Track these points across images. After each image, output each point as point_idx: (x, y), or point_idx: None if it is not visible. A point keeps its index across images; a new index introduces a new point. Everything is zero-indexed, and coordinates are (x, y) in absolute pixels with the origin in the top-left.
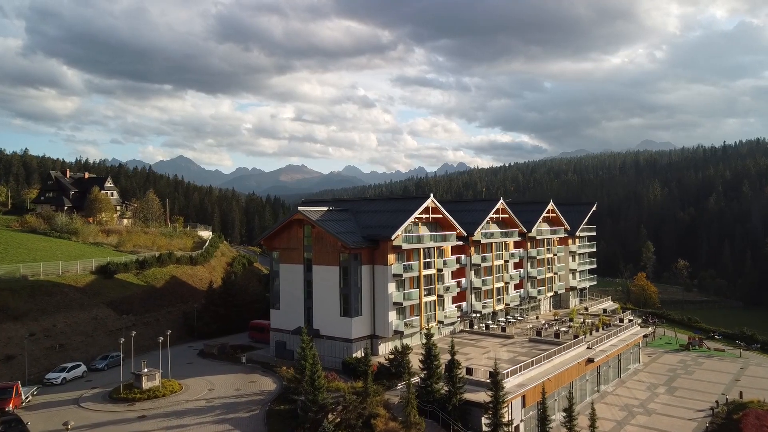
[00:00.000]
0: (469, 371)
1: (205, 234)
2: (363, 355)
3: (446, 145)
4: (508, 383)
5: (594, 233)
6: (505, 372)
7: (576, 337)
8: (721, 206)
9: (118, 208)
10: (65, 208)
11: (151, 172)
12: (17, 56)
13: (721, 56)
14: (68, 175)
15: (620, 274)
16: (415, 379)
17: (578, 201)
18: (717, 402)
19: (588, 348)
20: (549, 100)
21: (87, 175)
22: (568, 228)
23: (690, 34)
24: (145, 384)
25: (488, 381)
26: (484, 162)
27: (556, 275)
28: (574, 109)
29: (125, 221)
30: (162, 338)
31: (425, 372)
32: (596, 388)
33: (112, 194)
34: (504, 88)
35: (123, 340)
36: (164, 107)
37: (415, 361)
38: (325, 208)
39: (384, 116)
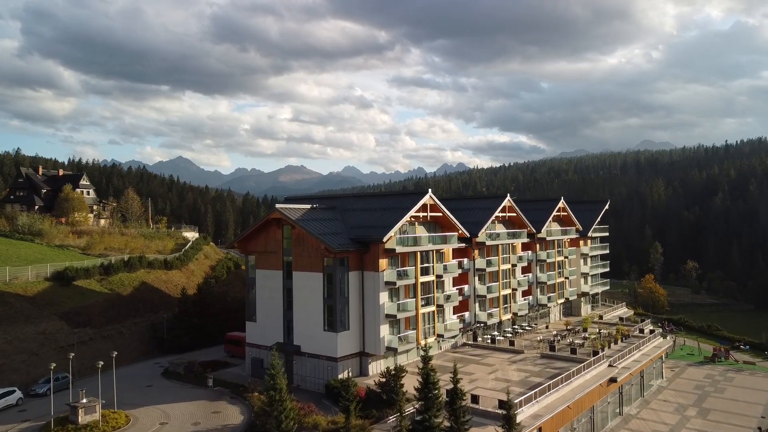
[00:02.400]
0: (475, 399)
1: (191, 235)
2: (347, 378)
3: (444, 146)
4: (522, 414)
5: (606, 234)
6: (517, 402)
7: (595, 353)
8: (726, 205)
9: (95, 207)
10: (36, 207)
11: (144, 172)
12: (13, 57)
13: (717, 56)
14: (41, 173)
15: (626, 276)
16: (411, 410)
17: (581, 200)
18: (760, 428)
19: (610, 366)
20: (546, 100)
21: (61, 172)
22: (580, 228)
23: (686, 34)
24: (82, 418)
25: (497, 411)
26: (483, 162)
27: (567, 280)
28: (571, 109)
29: (102, 222)
30: (102, 363)
31: (422, 403)
32: (618, 411)
33: (87, 193)
34: (501, 89)
35: (54, 365)
36: (161, 108)
37: (410, 384)
38: (308, 206)
39: (382, 117)
